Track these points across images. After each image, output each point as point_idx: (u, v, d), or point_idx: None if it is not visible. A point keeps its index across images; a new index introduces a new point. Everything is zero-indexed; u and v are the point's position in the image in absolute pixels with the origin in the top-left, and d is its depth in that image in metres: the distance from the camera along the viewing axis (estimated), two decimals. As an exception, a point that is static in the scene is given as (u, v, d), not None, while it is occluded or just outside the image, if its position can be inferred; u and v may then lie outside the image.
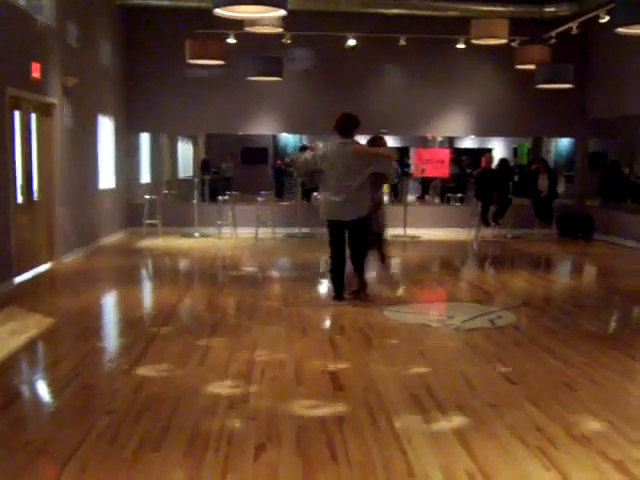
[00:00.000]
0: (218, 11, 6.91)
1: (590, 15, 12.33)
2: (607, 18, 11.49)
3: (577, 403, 4.55)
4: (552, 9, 13.72)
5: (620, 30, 7.74)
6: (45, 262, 9.83)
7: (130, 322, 6.91)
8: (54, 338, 6.40)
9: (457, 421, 4.19)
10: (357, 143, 7.71)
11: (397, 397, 4.63)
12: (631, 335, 6.87)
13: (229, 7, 6.85)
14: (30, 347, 6.02)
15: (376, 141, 8.43)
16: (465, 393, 4.75)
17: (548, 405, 4.47)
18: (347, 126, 7.59)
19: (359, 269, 7.77)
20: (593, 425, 4.14)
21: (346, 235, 7.64)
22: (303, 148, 17.70)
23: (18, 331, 6.32)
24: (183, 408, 4.38)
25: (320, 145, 8.42)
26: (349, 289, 7.83)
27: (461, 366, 5.41)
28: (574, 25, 12.65)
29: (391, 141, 19.86)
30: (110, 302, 8.39)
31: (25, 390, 4.95)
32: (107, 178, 12.97)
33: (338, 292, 7.75)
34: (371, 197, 7.70)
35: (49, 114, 9.91)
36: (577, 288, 9.52)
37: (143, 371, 5.15)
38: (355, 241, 7.66)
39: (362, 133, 17.83)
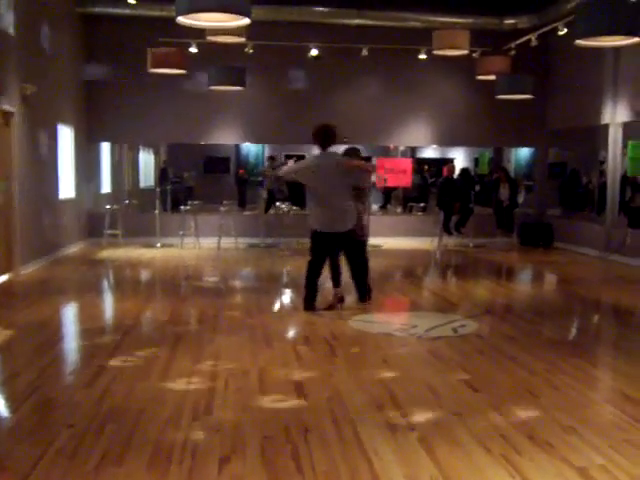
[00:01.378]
0: (181, 19, 6.86)
1: (549, 27, 12.55)
2: (565, 30, 11.70)
3: (540, 410, 4.59)
4: (512, 21, 13.95)
5: (579, 42, 7.86)
6: (3, 273, 9.64)
7: (91, 334, 6.79)
8: (12, 351, 6.26)
9: (422, 430, 4.19)
10: (338, 155, 7.85)
11: (362, 406, 4.62)
12: (591, 342, 6.98)
13: (192, 15, 6.80)
14: (-12, 360, 5.90)
15: (355, 152, 8.39)
16: (429, 401, 4.76)
17: (511, 412, 4.50)
18: (327, 138, 7.69)
19: (360, 280, 7.98)
20: (556, 431, 4.17)
21: (331, 247, 7.75)
22: (271, 158, 17.77)
23: (-25, 344, 6.19)
24: (146, 420, 4.32)
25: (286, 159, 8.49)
26: (325, 300, 7.93)
27: (425, 375, 5.42)
28: (533, 37, 12.85)
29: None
30: (70, 314, 8.26)
31: (-18, 404, 4.84)
32: (67, 188, 12.80)
33: (308, 302, 7.75)
34: (355, 208, 7.77)
35: (7, 123, 9.75)
36: (538, 296, 9.63)
37: (104, 383, 5.06)
38: (351, 253, 7.92)
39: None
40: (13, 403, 4.77)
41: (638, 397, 4.86)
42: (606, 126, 12.86)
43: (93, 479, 3.51)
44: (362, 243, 8.18)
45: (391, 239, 14.41)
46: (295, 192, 17.18)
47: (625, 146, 12.58)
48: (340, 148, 8.14)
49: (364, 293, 8.09)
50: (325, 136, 7.69)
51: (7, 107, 9.63)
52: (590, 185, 15.92)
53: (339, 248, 7.84)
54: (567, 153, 17.23)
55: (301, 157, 18.18)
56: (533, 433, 4.13)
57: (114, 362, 5.64)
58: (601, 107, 12.96)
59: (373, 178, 8.14)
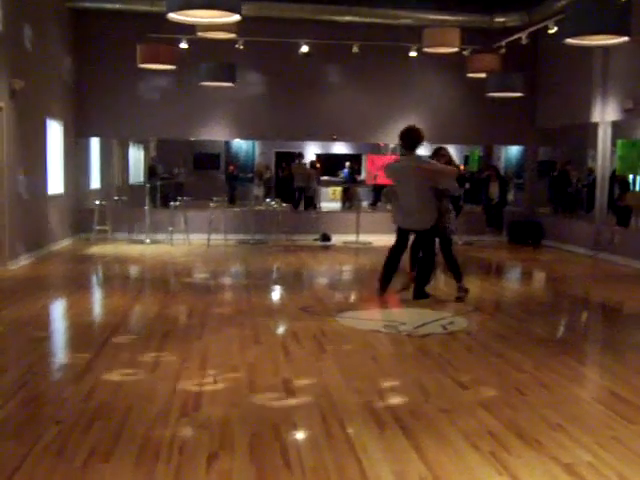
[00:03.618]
0: (172, 15, 6.83)
1: (539, 26, 12.58)
2: (556, 29, 11.72)
3: (528, 407, 4.60)
4: (502, 19, 13.97)
5: (568, 41, 7.87)
6: (-9, 269, 9.60)
7: (79, 330, 6.78)
8: None
9: (411, 427, 4.19)
10: (420, 159, 8.17)
11: (350, 403, 4.62)
12: (580, 340, 7.01)
13: (183, 12, 6.78)
14: (-25, 356, 5.87)
15: (439, 152, 8.63)
16: (418, 399, 4.76)
17: (499, 410, 4.51)
18: (411, 141, 8.06)
19: (420, 272, 8.31)
20: (544, 429, 4.18)
21: (410, 240, 8.41)
22: (299, 155, 17.91)
23: (-38, 340, 6.15)
24: (134, 417, 4.31)
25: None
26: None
27: (413, 372, 5.43)
28: (524, 35, 12.88)
29: (344, 148, 20.05)
30: (59, 310, 8.22)
31: (-31, 400, 4.80)
32: (56, 183, 12.74)
33: (381, 287, 8.31)
34: (436, 208, 8.08)
35: (-4, 118, 9.70)
36: (527, 293, 9.65)
37: (92, 380, 5.05)
38: (421, 248, 8.33)
39: (314, 140, 18.05)
40: (0, 399, 4.75)
41: (625, 395, 4.89)
42: (595, 124, 12.90)
43: (80, 476, 3.50)
44: (432, 242, 8.29)
45: (381, 236, 14.37)
46: (284, 189, 17.33)
47: (614, 144, 12.62)
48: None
49: (418, 290, 8.27)
50: (409, 139, 8.07)
51: (-5, 102, 9.59)
52: (579, 184, 15.94)
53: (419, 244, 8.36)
54: (557, 151, 17.28)
55: (294, 154, 18.24)
56: (521, 431, 4.14)
57: (102, 358, 5.62)
58: (590, 106, 13.00)
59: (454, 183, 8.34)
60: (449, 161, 8.62)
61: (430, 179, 7.99)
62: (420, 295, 8.24)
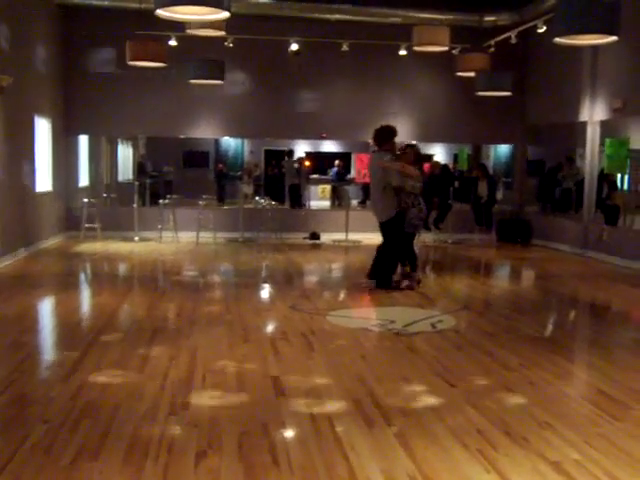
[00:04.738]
0: (160, 12, 6.79)
1: (529, 25, 12.62)
2: (545, 28, 11.77)
3: (515, 405, 4.62)
4: (492, 18, 14.00)
5: (558, 40, 7.89)
6: (-21, 267, 9.54)
7: (68, 328, 6.75)
8: (-13, 345, 6.20)
9: (399, 425, 4.20)
10: (379, 156, 8.64)
11: (339, 402, 4.62)
12: (568, 338, 7.03)
13: (171, 8, 6.74)
14: (-38, 354, 5.83)
15: (404, 150, 9.10)
16: (407, 397, 4.77)
17: (487, 408, 4.52)
18: (380, 138, 8.67)
19: (376, 267, 8.82)
20: (531, 427, 4.20)
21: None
22: (289, 152, 17.92)
23: (-51, 338, 6.11)
24: (122, 415, 4.29)
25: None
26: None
27: (402, 370, 5.44)
28: (513, 34, 12.91)
29: (333, 146, 20.04)
30: (47, 308, 8.19)
31: (-44, 399, 4.78)
32: (44, 181, 12.68)
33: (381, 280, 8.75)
34: (396, 201, 8.51)
35: (-17, 115, 9.64)
36: (516, 292, 9.68)
37: (81, 378, 5.03)
38: (383, 238, 8.80)
39: (302, 138, 18.05)
40: (-13, 398, 4.73)
41: (612, 392, 4.91)
42: (584, 123, 12.95)
43: (68, 474, 3.49)
44: (391, 235, 8.66)
45: (370, 235, 14.37)
46: (273, 187, 17.33)
47: (603, 144, 12.66)
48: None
49: (379, 279, 8.74)
50: (378, 136, 8.67)
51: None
52: (569, 182, 15.98)
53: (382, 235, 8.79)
54: (547, 150, 17.34)
55: (283, 152, 18.23)
56: (509, 428, 4.16)
57: (90, 357, 5.60)
58: (579, 105, 13.05)
59: (410, 182, 8.54)
60: (413, 159, 8.87)
61: (384, 175, 8.43)
62: (381, 284, 8.68)
